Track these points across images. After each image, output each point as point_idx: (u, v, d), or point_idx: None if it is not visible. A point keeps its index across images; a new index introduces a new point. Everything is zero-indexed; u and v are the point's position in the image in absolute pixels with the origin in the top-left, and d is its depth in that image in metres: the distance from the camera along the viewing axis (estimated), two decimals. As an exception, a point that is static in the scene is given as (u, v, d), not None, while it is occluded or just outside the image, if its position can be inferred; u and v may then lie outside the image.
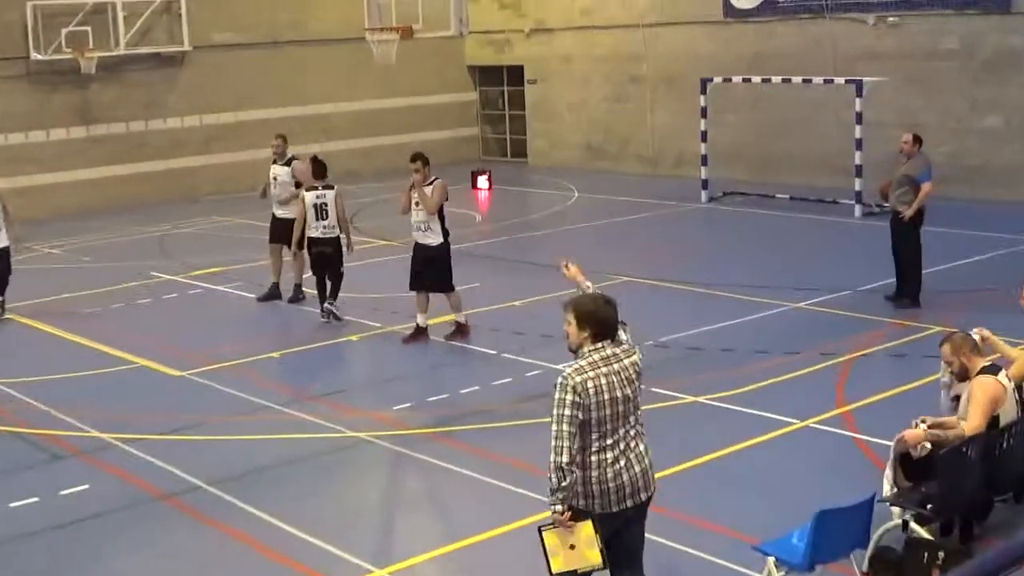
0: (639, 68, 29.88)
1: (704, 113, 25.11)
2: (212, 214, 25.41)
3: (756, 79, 24.96)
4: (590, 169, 30.91)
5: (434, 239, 14.09)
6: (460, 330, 14.45)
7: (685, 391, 12.08)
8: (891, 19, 25.12)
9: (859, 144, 22.59)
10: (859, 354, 13.19)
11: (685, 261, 19.02)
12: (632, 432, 6.37)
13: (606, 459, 6.28)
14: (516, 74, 33.39)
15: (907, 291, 15.25)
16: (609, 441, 6.27)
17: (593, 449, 6.27)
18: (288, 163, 16.82)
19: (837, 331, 14.24)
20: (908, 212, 14.98)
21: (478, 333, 14.60)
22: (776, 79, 24.58)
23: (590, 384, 6.22)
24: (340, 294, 15.61)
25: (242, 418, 11.90)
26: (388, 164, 32.13)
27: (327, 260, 15.54)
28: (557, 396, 6.24)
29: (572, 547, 6.24)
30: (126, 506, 9.84)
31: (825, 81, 24.08)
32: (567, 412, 6.18)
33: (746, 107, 27.72)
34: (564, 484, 6.20)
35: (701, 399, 11.82)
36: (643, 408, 6.56)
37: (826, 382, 12.27)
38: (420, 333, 14.44)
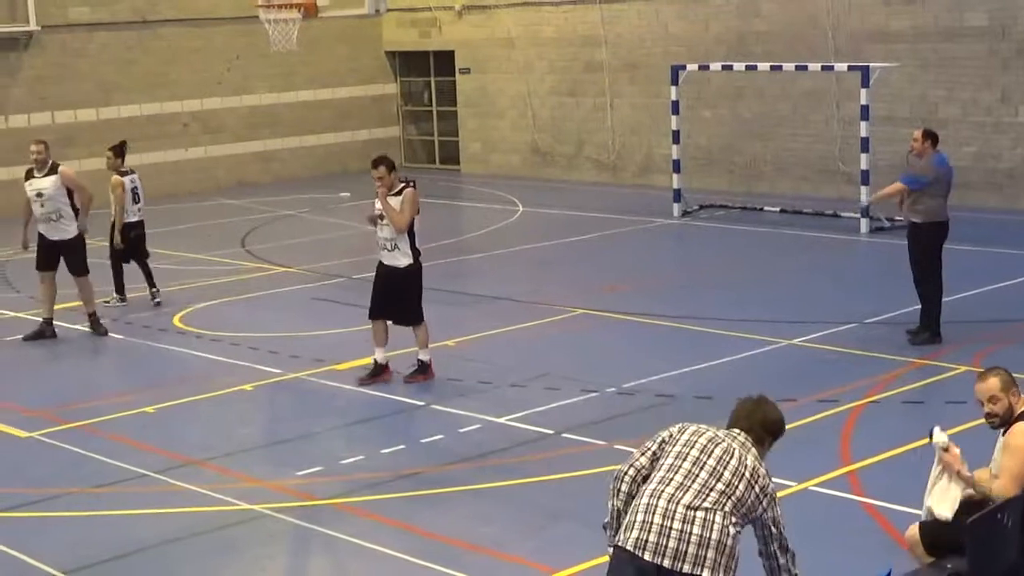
0: (596, 53, 30.11)
1: (676, 108, 25.32)
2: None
3: (739, 66, 25.22)
4: (536, 177, 31.05)
5: (403, 260, 14.32)
6: (422, 369, 14.57)
7: (656, 448, 12.15)
8: (903, -8, 25.53)
9: (865, 145, 22.88)
10: (867, 401, 13.34)
11: (654, 289, 19.15)
12: (691, 499, 6.71)
13: (643, 491, 6.86)
14: (446, 61, 33.53)
15: (925, 323, 15.44)
16: (658, 475, 6.86)
17: (645, 475, 6.98)
18: (53, 171, 17.18)
19: (840, 373, 14.39)
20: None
21: (403, 379, 14.62)
22: (763, 66, 24.86)
23: (677, 426, 7.11)
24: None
25: (107, 489, 11.80)
26: (287, 172, 32.19)
27: (140, 243, 18.95)
28: None
29: None
30: (-39, 600, 9.76)
31: (824, 68, 24.38)
32: (646, 442, 7.12)
33: (727, 100, 28.00)
34: (609, 509, 7.06)
35: (676, 458, 11.90)
36: (718, 515, 6.72)
37: (827, 436, 12.39)
38: (381, 372, 14.63)
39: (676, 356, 15.26)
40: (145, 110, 29.81)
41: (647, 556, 6.58)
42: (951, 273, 15.71)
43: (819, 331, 16.10)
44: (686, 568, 6.54)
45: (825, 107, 26.48)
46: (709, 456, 6.84)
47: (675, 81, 25.16)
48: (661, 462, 6.91)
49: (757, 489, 6.84)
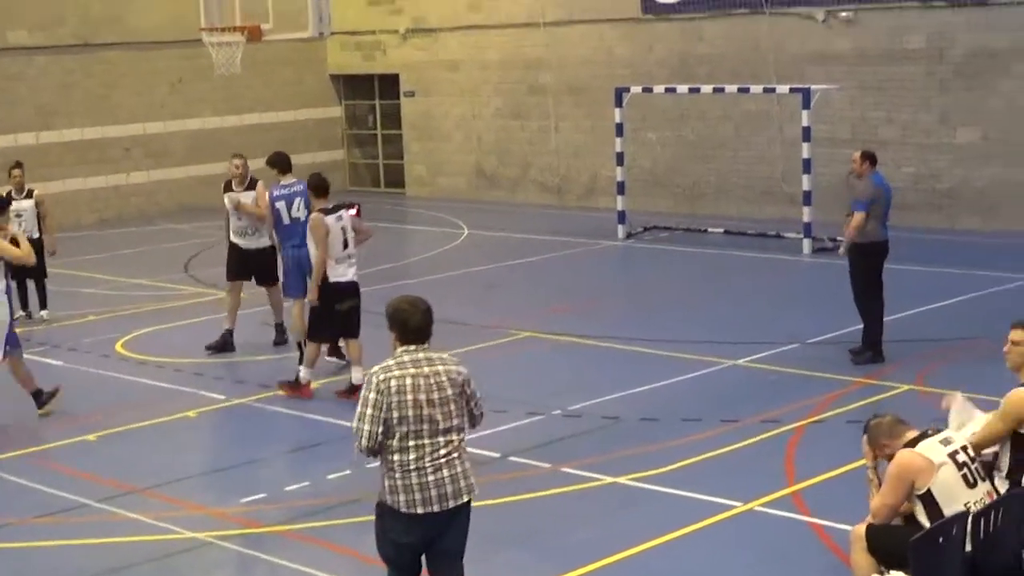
0: (540, 76, 30.18)
1: (620, 130, 25.40)
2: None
3: (682, 88, 25.36)
4: (482, 200, 31.06)
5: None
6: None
7: (600, 470, 12.15)
8: (844, 14, 25.75)
9: (807, 166, 23.03)
10: (810, 420, 13.39)
11: (598, 311, 19.17)
12: (442, 441, 7.82)
13: (408, 460, 7.75)
14: (390, 84, 33.52)
15: (867, 342, 15.54)
16: (412, 443, 7.74)
17: (394, 448, 7.75)
18: (252, 187, 17.86)
19: (783, 393, 14.44)
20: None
21: (347, 405, 14.53)
22: (706, 88, 24.99)
23: (393, 383, 7.74)
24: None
25: (47, 520, 11.68)
26: (231, 196, 31.97)
27: None
28: (362, 393, 7.84)
29: None
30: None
31: (765, 90, 24.52)
32: (368, 410, 7.74)
33: (670, 122, 28.11)
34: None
35: (620, 480, 11.89)
36: (460, 434, 8.03)
37: (772, 456, 12.41)
38: (300, 387, 15.07)
39: (621, 378, 15.27)
40: (86, 134, 29.63)
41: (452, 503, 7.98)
42: (892, 292, 15.82)
43: (763, 351, 16.17)
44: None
45: (767, 129, 26.65)
46: (424, 407, 7.79)
47: (619, 103, 25.24)
48: (403, 428, 7.73)
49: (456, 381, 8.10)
